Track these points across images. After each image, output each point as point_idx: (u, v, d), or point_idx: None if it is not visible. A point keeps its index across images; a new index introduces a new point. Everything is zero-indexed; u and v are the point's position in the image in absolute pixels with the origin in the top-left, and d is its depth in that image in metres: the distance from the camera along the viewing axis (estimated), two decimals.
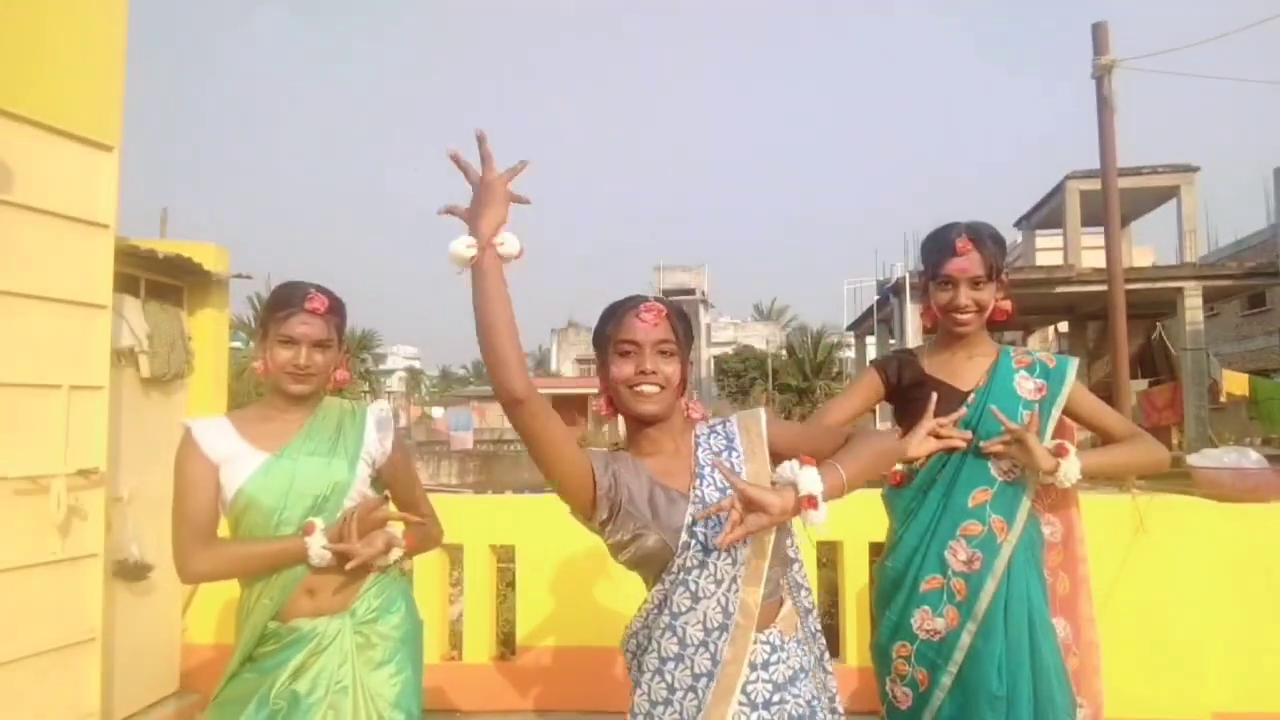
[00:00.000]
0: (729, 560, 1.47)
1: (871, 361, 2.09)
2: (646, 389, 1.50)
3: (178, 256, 3.64)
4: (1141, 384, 16.96)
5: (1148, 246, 21.55)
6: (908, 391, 1.98)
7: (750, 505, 1.32)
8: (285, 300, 1.83)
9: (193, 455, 1.78)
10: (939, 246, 1.90)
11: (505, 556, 4.39)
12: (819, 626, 1.64)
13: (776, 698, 1.46)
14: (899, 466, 1.95)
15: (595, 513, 1.47)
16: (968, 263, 1.85)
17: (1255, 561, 3.38)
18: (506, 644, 4.06)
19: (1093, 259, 16.18)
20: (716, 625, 1.46)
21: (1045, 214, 20.48)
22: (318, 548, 1.74)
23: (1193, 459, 3.99)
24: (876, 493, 2.06)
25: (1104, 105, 5.82)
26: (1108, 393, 8.40)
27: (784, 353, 37.19)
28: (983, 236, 1.88)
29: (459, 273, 1.32)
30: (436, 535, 2.08)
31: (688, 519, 1.47)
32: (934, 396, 1.91)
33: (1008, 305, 1.92)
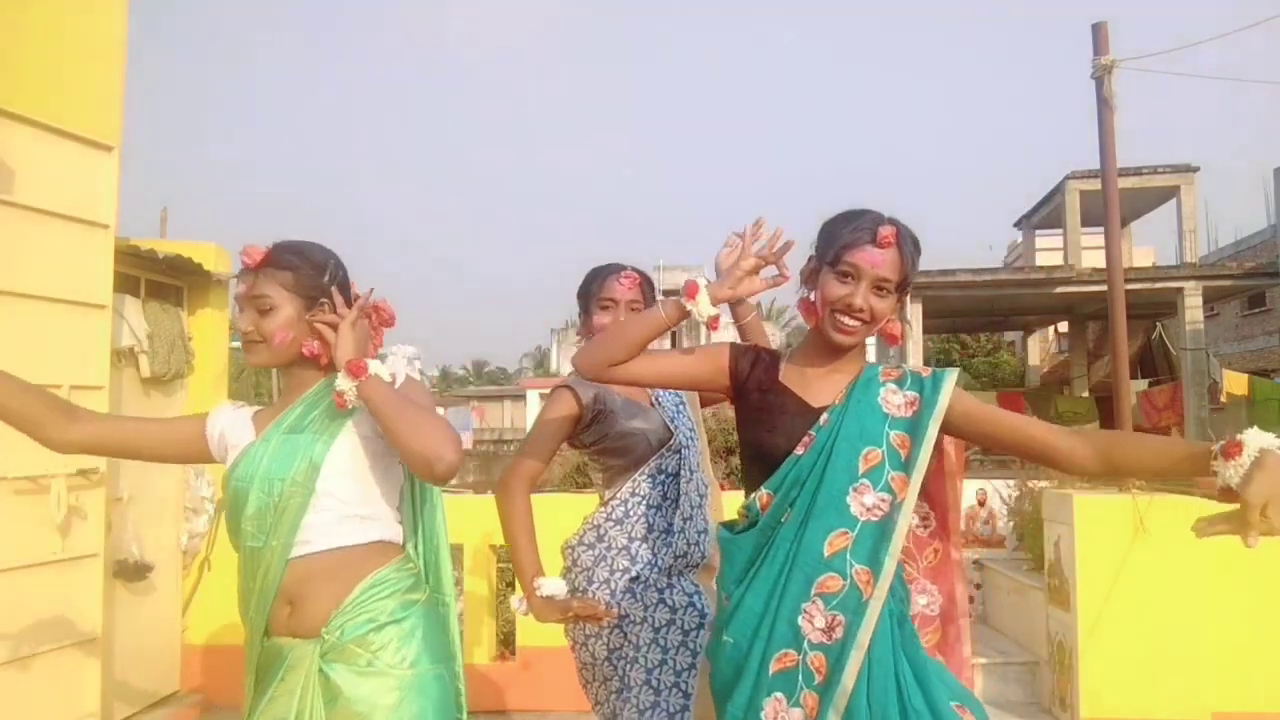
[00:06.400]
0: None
1: (732, 343, 1.70)
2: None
3: (178, 257, 3.65)
4: (1142, 384, 16.96)
5: (1148, 246, 21.54)
6: (750, 394, 1.59)
7: None
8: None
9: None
10: (854, 228, 1.49)
11: (505, 556, 4.39)
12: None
13: None
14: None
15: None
16: (884, 258, 1.47)
17: (1255, 561, 3.38)
18: (507, 644, 4.07)
19: (1093, 259, 16.16)
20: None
21: (1045, 214, 20.46)
22: None
23: None
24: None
25: (1104, 105, 5.83)
26: (1108, 393, 8.40)
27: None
28: (908, 236, 1.51)
29: None
30: (442, 438, 1.42)
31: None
32: (753, 230, 1.54)
33: (897, 329, 1.56)
